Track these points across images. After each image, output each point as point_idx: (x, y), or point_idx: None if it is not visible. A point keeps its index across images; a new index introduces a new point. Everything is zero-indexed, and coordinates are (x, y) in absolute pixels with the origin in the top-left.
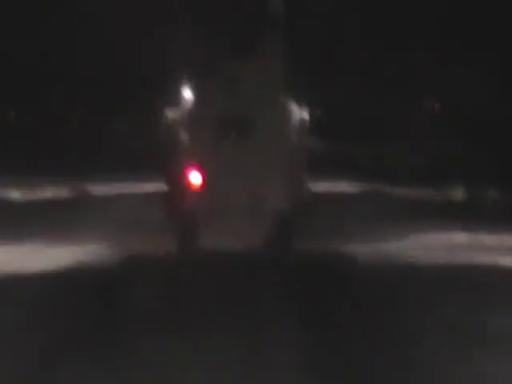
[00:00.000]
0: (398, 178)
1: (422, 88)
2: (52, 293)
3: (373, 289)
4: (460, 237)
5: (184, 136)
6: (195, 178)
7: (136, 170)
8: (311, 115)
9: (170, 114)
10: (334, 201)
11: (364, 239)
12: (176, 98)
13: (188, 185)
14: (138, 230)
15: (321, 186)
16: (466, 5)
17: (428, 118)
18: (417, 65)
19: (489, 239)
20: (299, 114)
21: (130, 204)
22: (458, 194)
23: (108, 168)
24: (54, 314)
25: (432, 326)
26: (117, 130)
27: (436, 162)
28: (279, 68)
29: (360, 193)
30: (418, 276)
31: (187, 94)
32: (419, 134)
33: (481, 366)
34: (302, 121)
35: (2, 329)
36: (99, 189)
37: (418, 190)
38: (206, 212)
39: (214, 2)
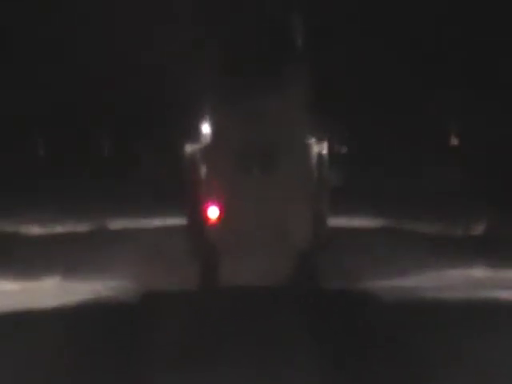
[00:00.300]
0: (418, 212)
1: (444, 123)
2: (72, 328)
3: (393, 325)
4: (481, 272)
5: (204, 170)
6: (215, 212)
7: (157, 204)
8: (333, 150)
9: (191, 147)
10: (353, 236)
11: (383, 275)
12: (197, 132)
13: (207, 220)
14: (158, 264)
15: (341, 221)
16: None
17: (449, 153)
18: (439, 100)
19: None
20: (321, 148)
21: (150, 238)
22: (479, 228)
23: (128, 202)
24: (73, 349)
25: (453, 363)
26: (138, 164)
27: (457, 197)
28: (302, 103)
29: (379, 228)
30: (438, 312)
31: (209, 127)
32: (439, 169)
33: None
34: (324, 156)
35: (21, 365)
36: (119, 223)
37: (439, 225)
38: (227, 247)
39: (240, 37)
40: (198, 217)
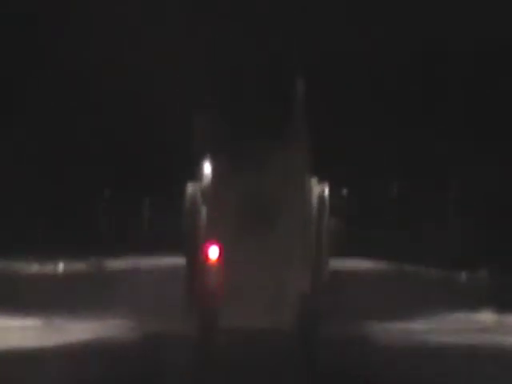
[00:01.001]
0: (421, 257)
1: (448, 171)
2: (71, 367)
3: (399, 370)
4: (488, 317)
5: (205, 211)
6: (214, 254)
7: (156, 245)
8: (336, 197)
9: (192, 187)
10: (359, 280)
11: (390, 319)
12: (199, 174)
13: (207, 262)
14: (157, 306)
15: (345, 264)
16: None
17: (454, 201)
18: (442, 147)
19: None
20: (323, 194)
21: (149, 279)
22: (486, 274)
23: (127, 242)
24: None
25: None
26: (137, 205)
27: (463, 243)
28: (304, 150)
29: (386, 272)
30: (444, 357)
31: (211, 170)
32: (446, 216)
33: None
34: (326, 201)
35: None
36: (118, 263)
37: (445, 271)
38: (226, 291)
39: (242, 87)
40: (198, 257)
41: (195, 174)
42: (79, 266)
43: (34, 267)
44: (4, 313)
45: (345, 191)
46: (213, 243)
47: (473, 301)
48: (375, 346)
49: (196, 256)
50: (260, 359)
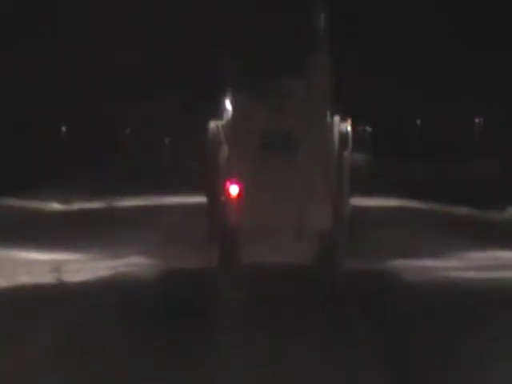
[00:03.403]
0: (442, 195)
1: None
2: (93, 305)
3: (415, 305)
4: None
5: (226, 149)
6: (235, 191)
7: (177, 183)
8: (359, 131)
9: (214, 125)
10: (376, 216)
11: (405, 256)
12: (221, 111)
13: (228, 199)
14: (179, 243)
15: (364, 201)
16: None
17: (477, 139)
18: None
19: None
20: (345, 130)
21: (171, 217)
22: (504, 213)
23: (149, 181)
24: (95, 327)
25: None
26: (157, 142)
27: (481, 182)
28: (326, 85)
29: (403, 209)
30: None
31: (233, 107)
32: (466, 154)
33: None
34: (348, 137)
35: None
36: (139, 202)
37: (461, 208)
38: (248, 228)
39: (264, 21)
40: (220, 195)
41: (217, 112)
42: (103, 205)
43: (55, 206)
44: (26, 248)
45: (369, 128)
46: (233, 180)
47: (488, 239)
48: (394, 281)
49: (217, 193)
50: (283, 294)
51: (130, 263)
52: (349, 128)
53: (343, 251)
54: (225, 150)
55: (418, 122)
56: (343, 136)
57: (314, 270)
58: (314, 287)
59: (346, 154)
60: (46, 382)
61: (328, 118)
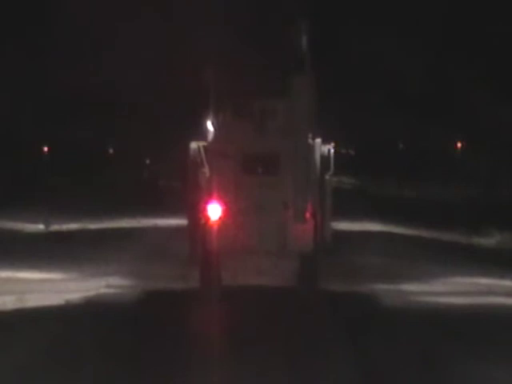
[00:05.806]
0: (426, 219)
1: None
2: (72, 324)
3: (396, 328)
4: (483, 281)
5: (207, 170)
6: (216, 213)
7: (158, 204)
8: (338, 153)
9: (195, 146)
10: (357, 239)
11: (387, 280)
12: (202, 132)
13: (208, 220)
14: (160, 264)
15: (345, 225)
16: None
17: (461, 161)
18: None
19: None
20: (328, 152)
21: (153, 238)
22: (488, 238)
23: (130, 201)
24: (73, 344)
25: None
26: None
27: (467, 207)
28: (308, 107)
29: (385, 233)
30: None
31: (214, 127)
32: (450, 177)
33: None
34: (330, 159)
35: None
36: (120, 221)
37: (446, 233)
38: (228, 248)
39: (247, 42)
40: (199, 216)
41: (198, 133)
42: (84, 225)
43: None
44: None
45: (352, 151)
46: (214, 202)
47: (472, 265)
48: (373, 304)
49: (198, 215)
50: (264, 315)
51: (109, 284)
52: (331, 151)
53: (320, 276)
54: (206, 172)
55: (401, 145)
56: (325, 158)
57: (294, 290)
58: (294, 308)
59: (328, 176)
60: None
61: (310, 140)
